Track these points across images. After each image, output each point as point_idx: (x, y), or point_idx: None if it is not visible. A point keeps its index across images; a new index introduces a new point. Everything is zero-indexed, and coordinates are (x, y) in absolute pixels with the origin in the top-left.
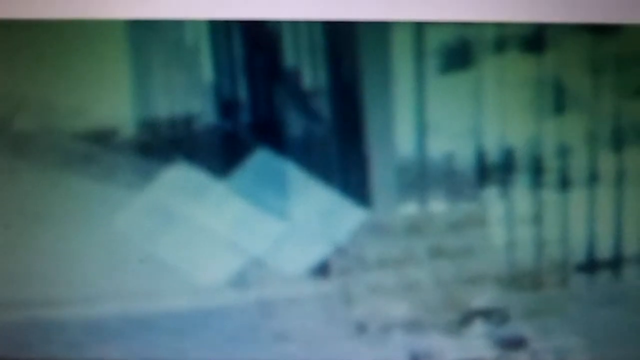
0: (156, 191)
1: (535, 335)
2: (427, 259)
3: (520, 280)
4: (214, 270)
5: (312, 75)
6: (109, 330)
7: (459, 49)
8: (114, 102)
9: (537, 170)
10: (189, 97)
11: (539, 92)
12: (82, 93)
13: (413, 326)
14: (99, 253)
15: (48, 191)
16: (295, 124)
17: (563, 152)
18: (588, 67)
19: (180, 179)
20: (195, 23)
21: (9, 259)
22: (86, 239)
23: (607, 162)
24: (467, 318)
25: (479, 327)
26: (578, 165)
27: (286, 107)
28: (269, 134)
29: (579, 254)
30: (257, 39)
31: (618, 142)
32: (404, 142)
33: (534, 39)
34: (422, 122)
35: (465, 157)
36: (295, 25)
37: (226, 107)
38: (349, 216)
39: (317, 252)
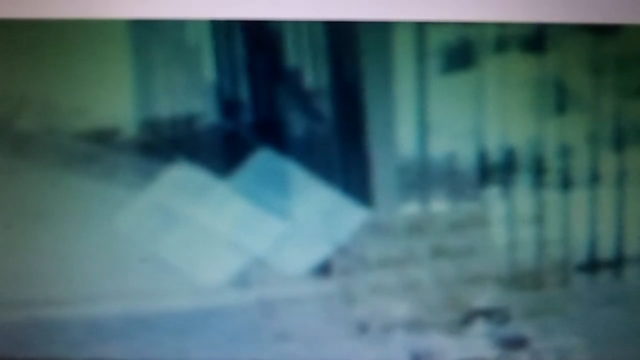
0: (157, 191)
1: (536, 335)
2: (428, 258)
3: (521, 280)
4: (215, 270)
5: (313, 75)
6: (110, 330)
7: (460, 49)
8: (115, 101)
9: (538, 170)
10: (191, 97)
11: (540, 92)
12: (84, 93)
13: (414, 326)
14: (100, 253)
15: (49, 191)
16: (296, 124)
17: (564, 152)
18: (589, 67)
19: (182, 179)
20: (196, 23)
21: (10, 259)
22: (87, 239)
23: (608, 162)
24: (468, 318)
25: (480, 327)
26: (579, 165)
27: (287, 107)
28: (271, 133)
29: (580, 254)
30: (259, 39)
31: (619, 142)
32: (405, 141)
33: (535, 39)
34: (424, 122)
35: (466, 157)
36: (296, 25)
37: (227, 107)
38: (350, 216)
39: (318, 252)
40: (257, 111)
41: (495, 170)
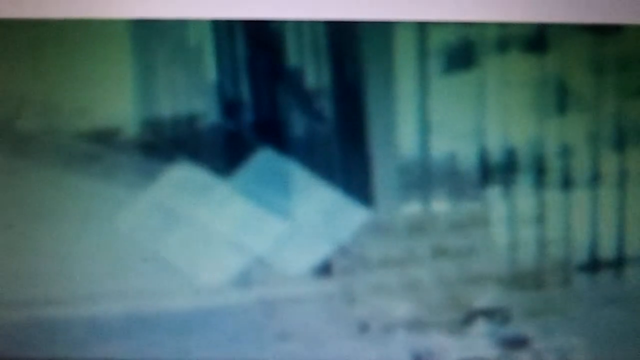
0: (158, 191)
1: (538, 335)
2: (429, 258)
3: (522, 280)
4: (217, 270)
5: (314, 75)
6: (111, 329)
7: (461, 49)
8: (116, 101)
9: (539, 170)
10: (192, 97)
11: (541, 92)
12: (84, 93)
13: (415, 326)
14: (100, 253)
15: (50, 191)
16: (298, 124)
17: (565, 152)
18: (589, 67)
19: (183, 179)
20: (198, 23)
21: (11, 259)
22: (88, 239)
23: (608, 162)
24: (469, 317)
25: (481, 327)
26: (580, 165)
27: (289, 107)
28: (272, 133)
29: (581, 254)
30: (260, 39)
31: (620, 142)
32: (407, 141)
33: (536, 39)
34: (425, 122)
35: (467, 157)
36: (298, 25)
37: (229, 106)
38: (351, 216)
39: (319, 252)
40: (258, 111)
41: (496, 170)
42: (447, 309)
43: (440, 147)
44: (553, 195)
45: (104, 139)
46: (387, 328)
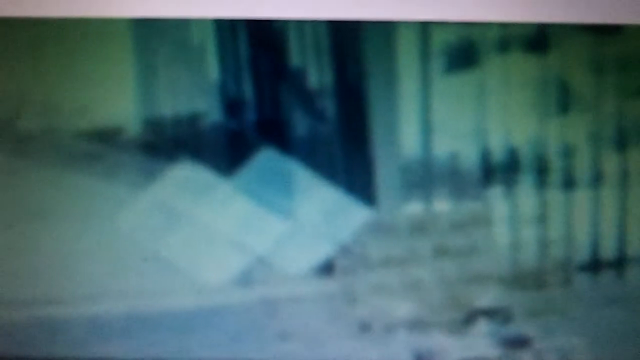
0: (161, 190)
1: (539, 335)
2: (431, 258)
3: (524, 279)
4: (218, 269)
5: (317, 74)
6: (112, 329)
7: (463, 49)
8: (118, 101)
9: (541, 170)
10: (194, 96)
11: (542, 92)
12: (87, 92)
13: (417, 325)
14: (102, 252)
15: (51, 191)
16: (300, 124)
17: (566, 152)
18: (590, 67)
19: (184, 178)
20: (200, 22)
21: (13, 258)
22: (89, 238)
23: (610, 162)
24: (470, 317)
25: (482, 327)
26: (582, 165)
27: (291, 107)
28: (274, 133)
29: (582, 253)
30: (263, 39)
31: (621, 142)
32: (409, 141)
33: (537, 39)
34: (427, 122)
35: (469, 157)
36: (300, 24)
37: (231, 106)
38: (353, 215)
39: (321, 251)
40: (261, 110)
41: (497, 170)
42: (449, 309)
43: (442, 146)
44: (554, 195)
45: (105, 139)
46: (388, 328)
